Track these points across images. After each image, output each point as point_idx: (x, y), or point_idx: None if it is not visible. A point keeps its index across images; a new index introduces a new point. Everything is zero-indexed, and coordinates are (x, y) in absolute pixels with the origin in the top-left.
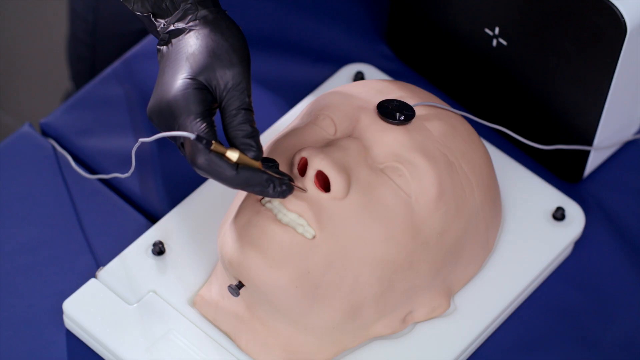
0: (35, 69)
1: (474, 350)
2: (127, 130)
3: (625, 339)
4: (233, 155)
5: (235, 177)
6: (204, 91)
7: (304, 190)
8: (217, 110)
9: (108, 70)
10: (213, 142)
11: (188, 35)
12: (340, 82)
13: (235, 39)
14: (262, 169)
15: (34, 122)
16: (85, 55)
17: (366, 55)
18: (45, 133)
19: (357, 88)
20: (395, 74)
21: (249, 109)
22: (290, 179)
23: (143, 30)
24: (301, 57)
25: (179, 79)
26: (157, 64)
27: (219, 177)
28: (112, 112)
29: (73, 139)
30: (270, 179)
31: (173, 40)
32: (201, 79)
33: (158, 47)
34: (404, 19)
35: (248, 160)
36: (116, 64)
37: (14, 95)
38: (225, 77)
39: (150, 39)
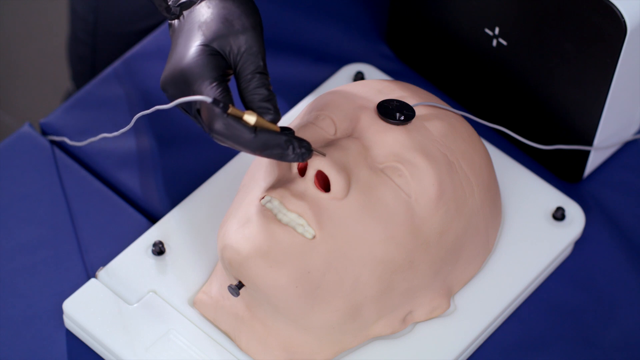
0: (35, 69)
1: (474, 350)
2: (127, 130)
3: (625, 338)
4: (251, 118)
5: (254, 139)
6: (217, 57)
7: (323, 154)
8: (231, 78)
9: (108, 70)
10: (230, 105)
11: (200, 5)
12: (340, 82)
13: (246, 5)
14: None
15: (34, 122)
16: (86, 55)
17: (366, 55)
18: (45, 133)
19: (357, 88)
20: (395, 74)
21: (264, 73)
22: (309, 144)
23: (143, 30)
24: (301, 57)
25: (192, 47)
26: (157, 64)
27: (237, 141)
28: (112, 112)
29: (73, 139)
30: (289, 141)
31: (184, 13)
32: (215, 45)
33: (169, 22)
34: (404, 19)
35: (266, 123)
36: (116, 64)
37: (14, 95)
38: (239, 42)
39: (150, 38)
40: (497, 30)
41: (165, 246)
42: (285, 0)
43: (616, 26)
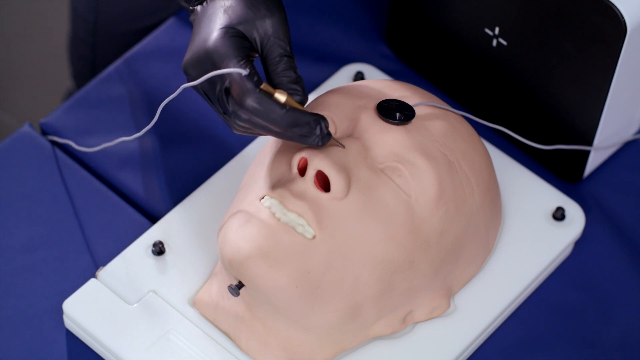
0: (35, 69)
1: (474, 350)
2: (127, 130)
3: (625, 338)
4: (281, 97)
5: (285, 115)
6: (242, 39)
7: (342, 145)
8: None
9: (109, 69)
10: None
11: None
12: (340, 82)
13: None
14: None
15: (34, 122)
16: (86, 54)
17: (366, 55)
18: (45, 133)
19: (357, 88)
20: (395, 74)
21: (291, 56)
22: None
23: (144, 29)
24: (301, 57)
25: (217, 29)
26: (158, 64)
27: (267, 117)
28: (112, 111)
29: (74, 139)
30: (317, 120)
31: None
32: (240, 28)
33: (191, 7)
34: (404, 19)
35: (295, 103)
36: (117, 63)
37: (14, 95)
38: (265, 26)
39: (151, 38)
40: (497, 30)
41: (165, 246)
42: (286, 1)
43: (616, 26)
